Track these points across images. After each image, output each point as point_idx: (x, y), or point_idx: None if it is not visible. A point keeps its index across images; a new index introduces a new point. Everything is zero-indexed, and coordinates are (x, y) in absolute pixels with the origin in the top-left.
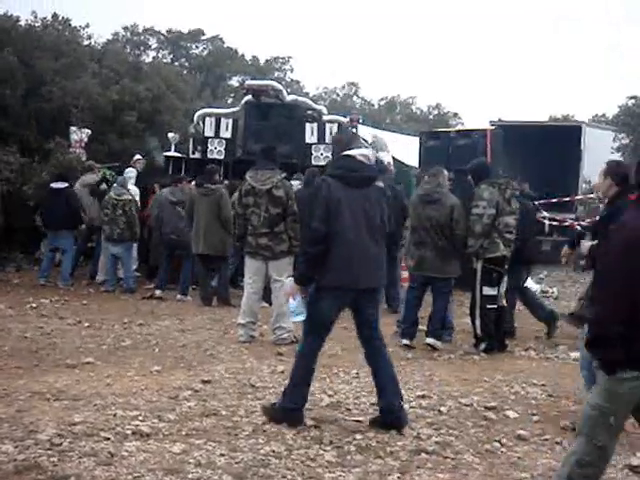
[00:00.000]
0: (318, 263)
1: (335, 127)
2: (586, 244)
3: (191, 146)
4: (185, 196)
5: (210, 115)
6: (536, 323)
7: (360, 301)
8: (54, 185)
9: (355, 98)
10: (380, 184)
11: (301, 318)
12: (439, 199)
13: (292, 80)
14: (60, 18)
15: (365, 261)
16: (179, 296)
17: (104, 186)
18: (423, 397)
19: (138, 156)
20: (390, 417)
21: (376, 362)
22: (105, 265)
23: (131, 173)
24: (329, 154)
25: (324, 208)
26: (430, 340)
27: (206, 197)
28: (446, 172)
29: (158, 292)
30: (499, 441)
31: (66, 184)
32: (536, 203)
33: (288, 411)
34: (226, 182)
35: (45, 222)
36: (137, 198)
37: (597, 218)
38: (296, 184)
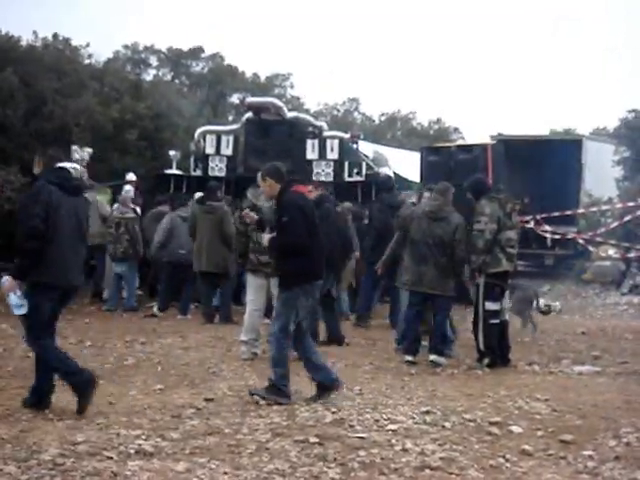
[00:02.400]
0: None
1: (336, 143)
2: (266, 236)
3: (192, 164)
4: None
5: (211, 132)
6: (540, 338)
7: (66, 299)
8: None
9: (356, 114)
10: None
11: (23, 311)
12: (445, 217)
13: (292, 97)
14: (61, 38)
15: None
16: (180, 316)
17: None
18: (427, 413)
19: (133, 176)
20: None
21: None
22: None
23: (130, 192)
24: (330, 170)
25: (44, 208)
26: (433, 357)
27: (208, 215)
28: (452, 188)
29: (155, 310)
30: (503, 456)
31: None
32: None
33: None
34: (228, 198)
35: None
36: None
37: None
38: None
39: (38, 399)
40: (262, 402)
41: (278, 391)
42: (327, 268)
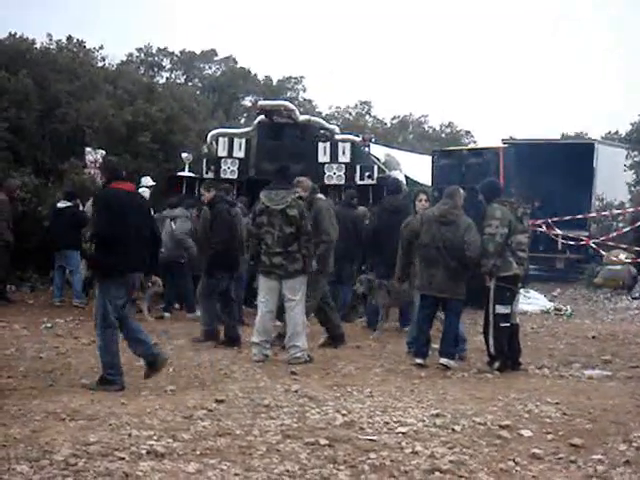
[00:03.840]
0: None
1: (348, 146)
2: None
3: (204, 166)
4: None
5: (223, 135)
6: (551, 341)
7: None
8: (59, 204)
9: (367, 117)
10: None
11: None
12: (454, 221)
13: (304, 100)
14: (75, 40)
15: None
16: (188, 315)
17: None
18: (437, 416)
19: (150, 181)
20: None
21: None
22: None
23: (145, 193)
24: (341, 173)
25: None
26: (444, 360)
27: None
28: (462, 191)
29: (167, 314)
30: (513, 460)
31: (69, 203)
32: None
33: None
34: (242, 198)
35: (51, 241)
36: None
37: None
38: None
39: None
40: (272, 404)
41: (106, 382)
42: (223, 267)
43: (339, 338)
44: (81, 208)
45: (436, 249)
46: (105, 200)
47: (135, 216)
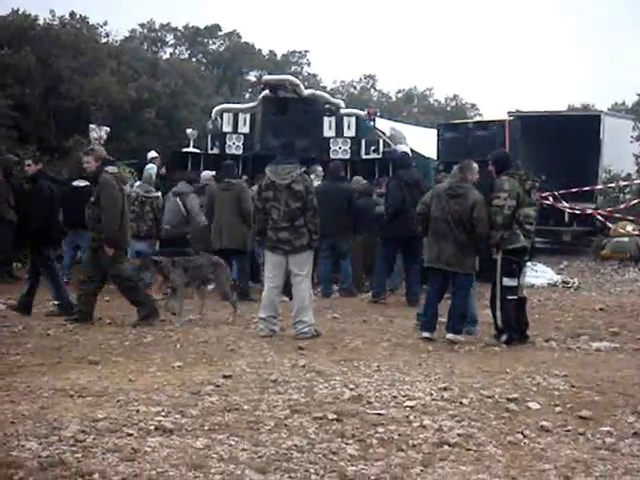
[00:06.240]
0: None
1: (353, 120)
2: None
3: (209, 142)
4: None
5: (228, 110)
6: (558, 314)
7: None
8: (75, 183)
9: (372, 91)
10: None
11: None
12: (463, 194)
13: (309, 74)
14: (78, 16)
15: None
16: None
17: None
18: (445, 389)
19: (154, 153)
20: None
21: None
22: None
23: (152, 170)
24: (347, 148)
25: None
26: (450, 335)
27: (227, 192)
28: (475, 165)
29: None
30: (522, 432)
31: (87, 183)
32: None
33: None
34: (245, 177)
35: (65, 220)
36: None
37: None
38: (312, 178)
39: None
40: (279, 379)
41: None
42: (50, 242)
43: (150, 315)
44: None
45: (445, 222)
46: None
47: None
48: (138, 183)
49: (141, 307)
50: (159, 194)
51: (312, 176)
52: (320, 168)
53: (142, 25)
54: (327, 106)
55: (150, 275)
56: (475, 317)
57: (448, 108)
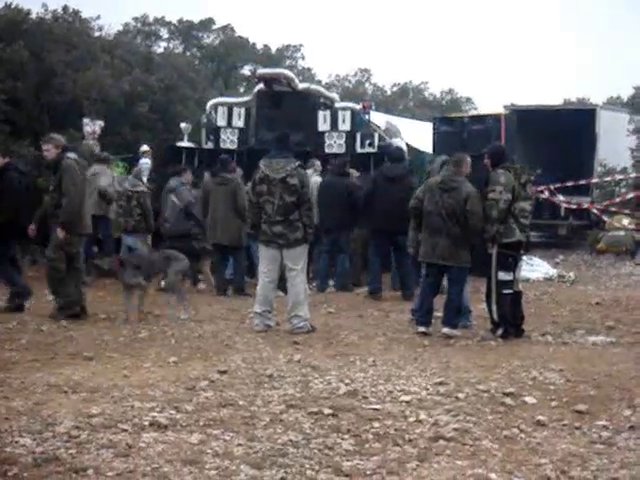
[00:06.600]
0: None
1: (348, 114)
2: None
3: (204, 136)
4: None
5: (222, 105)
6: (554, 308)
7: None
8: None
9: (367, 85)
10: None
11: None
12: (456, 187)
13: (304, 68)
14: (70, 10)
15: None
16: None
17: (113, 188)
18: (440, 384)
19: (146, 147)
20: None
21: None
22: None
23: (145, 165)
24: (342, 142)
25: None
26: (446, 329)
27: (222, 186)
28: (469, 159)
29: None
30: (517, 427)
31: None
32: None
33: None
34: (240, 171)
35: None
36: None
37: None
38: (310, 172)
39: None
40: (275, 374)
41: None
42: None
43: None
44: None
45: (439, 216)
46: None
47: None
48: (129, 177)
49: (58, 298)
50: (145, 188)
51: (311, 170)
52: (319, 162)
53: (136, 19)
54: (322, 100)
55: (129, 272)
56: (468, 308)
57: (443, 102)
